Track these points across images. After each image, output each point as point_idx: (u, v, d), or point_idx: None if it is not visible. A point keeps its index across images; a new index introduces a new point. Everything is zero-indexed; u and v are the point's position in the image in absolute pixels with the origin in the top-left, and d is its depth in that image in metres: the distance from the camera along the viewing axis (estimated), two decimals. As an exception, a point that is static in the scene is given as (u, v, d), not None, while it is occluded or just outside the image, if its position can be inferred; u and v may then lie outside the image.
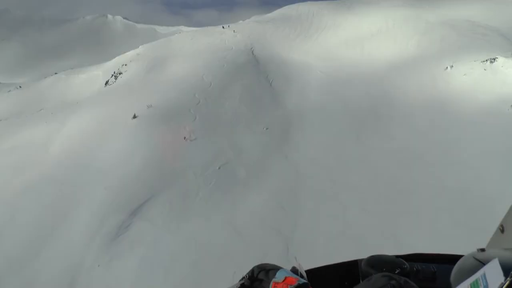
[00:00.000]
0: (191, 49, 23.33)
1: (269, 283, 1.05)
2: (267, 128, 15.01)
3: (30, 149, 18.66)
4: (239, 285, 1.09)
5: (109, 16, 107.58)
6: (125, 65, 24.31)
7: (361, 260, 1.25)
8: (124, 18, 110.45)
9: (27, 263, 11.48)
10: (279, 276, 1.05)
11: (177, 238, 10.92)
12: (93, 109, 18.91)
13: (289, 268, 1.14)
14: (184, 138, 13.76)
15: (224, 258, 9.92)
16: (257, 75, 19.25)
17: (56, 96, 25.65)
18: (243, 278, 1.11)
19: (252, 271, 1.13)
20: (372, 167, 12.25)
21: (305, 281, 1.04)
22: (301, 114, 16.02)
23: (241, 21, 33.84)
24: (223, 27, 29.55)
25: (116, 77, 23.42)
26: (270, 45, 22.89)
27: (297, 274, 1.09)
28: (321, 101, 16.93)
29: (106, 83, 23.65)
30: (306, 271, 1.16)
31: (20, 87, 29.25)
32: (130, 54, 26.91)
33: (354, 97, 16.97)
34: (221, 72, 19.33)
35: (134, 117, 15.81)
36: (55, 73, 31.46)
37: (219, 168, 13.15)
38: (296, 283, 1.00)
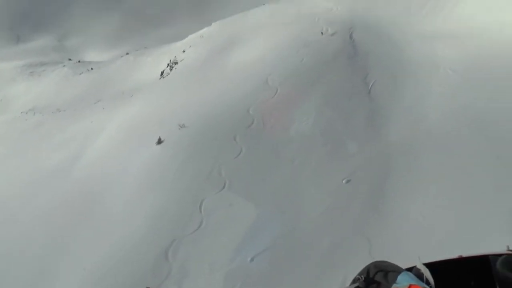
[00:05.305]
0: (267, 30, 17.49)
1: None
2: (348, 181, 8.96)
3: (66, 156, 15.53)
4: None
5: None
6: (184, 51, 19.83)
7: (493, 256, 1.08)
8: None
9: None
10: (401, 282, 0.97)
11: None
12: (130, 113, 14.95)
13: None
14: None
15: None
16: (351, 75, 12.81)
17: (117, 83, 22.52)
18: (357, 279, 1.03)
19: (368, 271, 1.06)
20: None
21: None
22: (408, 152, 9.20)
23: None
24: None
25: (171, 68, 19.08)
26: (379, 23, 15.84)
27: (422, 279, 0.98)
28: (445, 127, 9.51)
29: (161, 73, 19.48)
30: (427, 265, 1.02)
31: (92, 69, 26.92)
32: (198, 33, 22.21)
33: (505, 121, 9.21)
34: (297, 71, 13.37)
35: (159, 142, 11.20)
36: (127, 53, 28.48)
37: (251, 259, 7.82)
38: None
